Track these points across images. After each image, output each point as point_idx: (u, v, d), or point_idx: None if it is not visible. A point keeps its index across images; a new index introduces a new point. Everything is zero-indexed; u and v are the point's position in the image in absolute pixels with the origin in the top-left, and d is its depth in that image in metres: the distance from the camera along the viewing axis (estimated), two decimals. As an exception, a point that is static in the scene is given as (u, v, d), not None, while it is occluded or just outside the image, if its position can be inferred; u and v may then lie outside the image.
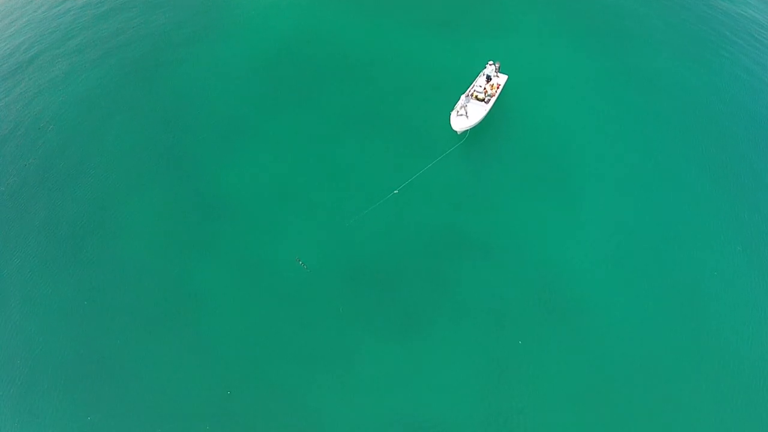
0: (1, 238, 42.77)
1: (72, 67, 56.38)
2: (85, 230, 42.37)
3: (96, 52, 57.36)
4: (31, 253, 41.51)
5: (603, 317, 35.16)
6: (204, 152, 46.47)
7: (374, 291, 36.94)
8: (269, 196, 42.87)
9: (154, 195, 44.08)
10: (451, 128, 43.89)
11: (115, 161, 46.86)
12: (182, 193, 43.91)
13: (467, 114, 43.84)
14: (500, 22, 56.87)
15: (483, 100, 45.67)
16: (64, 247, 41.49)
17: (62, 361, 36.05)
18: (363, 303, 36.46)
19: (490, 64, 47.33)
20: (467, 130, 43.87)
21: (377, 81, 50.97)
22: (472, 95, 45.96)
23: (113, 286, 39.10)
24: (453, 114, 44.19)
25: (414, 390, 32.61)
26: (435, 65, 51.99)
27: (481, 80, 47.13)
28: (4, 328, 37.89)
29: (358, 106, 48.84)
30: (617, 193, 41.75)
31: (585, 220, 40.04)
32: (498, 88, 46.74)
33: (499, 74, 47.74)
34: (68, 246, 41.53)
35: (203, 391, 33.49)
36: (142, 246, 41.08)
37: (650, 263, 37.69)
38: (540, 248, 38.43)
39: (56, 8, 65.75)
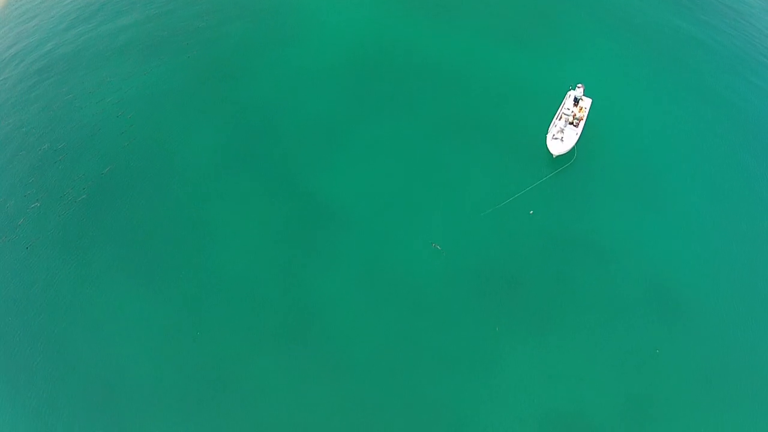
0: (87, 250, 40.90)
1: (152, 69, 54.86)
2: (179, 242, 40.97)
3: (176, 55, 56.14)
4: (122, 269, 39.65)
5: (711, 314, 37.98)
6: (302, 157, 46.37)
7: (505, 291, 38.63)
8: (379, 201, 43.46)
9: (253, 202, 43.46)
10: (548, 151, 45.63)
11: (203, 166, 45.85)
12: (285, 199, 43.58)
13: (563, 138, 45.62)
14: (573, 41, 58.36)
15: (572, 123, 47.40)
16: (159, 259, 40.02)
17: (165, 387, 34.44)
18: (497, 303, 38.00)
19: (578, 87, 48.81)
20: (563, 154, 45.64)
21: (469, 90, 52.22)
22: (562, 118, 47.58)
23: (218, 302, 37.93)
24: (549, 137, 45.85)
25: (556, 385, 34.46)
26: (521, 79, 53.52)
27: (569, 102, 48.73)
28: (97, 353, 35.92)
29: (455, 115, 50.03)
30: (714, 203, 44.40)
31: (686, 228, 42.76)
32: (585, 111, 48.49)
33: (584, 97, 49.41)
34: (163, 259, 40.06)
35: (336, 410, 33.50)
36: (247, 257, 40.28)
37: (747, 266, 40.38)
38: (649, 254, 40.94)
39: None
